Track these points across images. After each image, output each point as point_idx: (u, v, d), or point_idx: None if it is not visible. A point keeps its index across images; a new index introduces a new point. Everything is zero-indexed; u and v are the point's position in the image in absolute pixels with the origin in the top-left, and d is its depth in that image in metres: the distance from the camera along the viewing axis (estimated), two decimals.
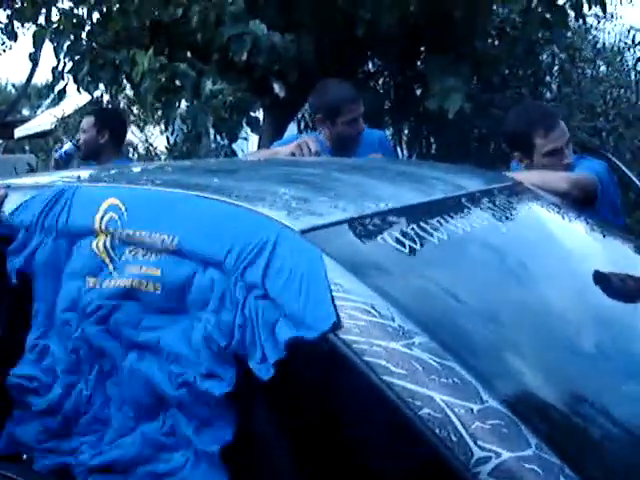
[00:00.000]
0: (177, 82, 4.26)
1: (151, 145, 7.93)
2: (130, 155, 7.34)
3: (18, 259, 1.57)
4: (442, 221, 1.53)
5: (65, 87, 4.75)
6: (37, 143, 16.07)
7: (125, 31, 4.50)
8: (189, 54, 4.54)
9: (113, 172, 1.98)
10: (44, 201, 1.60)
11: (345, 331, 1.15)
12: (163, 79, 4.03)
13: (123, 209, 1.47)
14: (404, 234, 1.41)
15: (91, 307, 1.43)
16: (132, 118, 9.17)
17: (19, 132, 16.51)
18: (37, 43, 4.75)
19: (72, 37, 4.51)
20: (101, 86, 5.40)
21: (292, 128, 6.16)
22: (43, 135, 14.30)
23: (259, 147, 5.43)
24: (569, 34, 5.61)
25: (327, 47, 4.40)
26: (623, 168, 3.64)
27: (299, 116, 6.33)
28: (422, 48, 4.88)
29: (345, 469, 1.17)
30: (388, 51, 4.89)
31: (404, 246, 1.38)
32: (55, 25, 4.57)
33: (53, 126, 11.56)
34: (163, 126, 9.20)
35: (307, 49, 4.21)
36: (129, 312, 1.38)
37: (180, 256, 1.34)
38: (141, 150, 7.95)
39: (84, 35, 4.61)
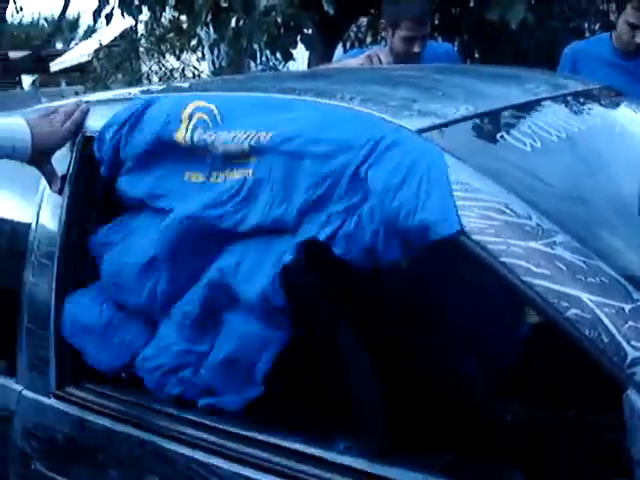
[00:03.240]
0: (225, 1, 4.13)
1: (197, 69, 7.80)
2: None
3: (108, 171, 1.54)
4: (556, 119, 1.44)
5: (112, 11, 4.65)
6: (73, 76, 16.01)
7: None
8: None
9: (197, 84, 1.91)
10: (131, 112, 1.55)
11: (479, 232, 1.08)
12: None
13: (215, 111, 1.40)
14: (522, 132, 1.33)
15: None
16: (168, 46, 9.06)
17: (54, 66, 16.42)
18: None
19: None
20: (145, 10, 5.29)
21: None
22: (79, 68, 14.20)
23: (309, 67, 5.30)
24: None
25: None
26: None
27: (344, 36, 6.14)
28: None
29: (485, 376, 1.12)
30: None
31: (525, 144, 1.29)
32: None
33: (90, 58, 11.47)
34: (200, 53, 9.08)
35: None
36: None
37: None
38: (189, 74, 7.83)
39: None
